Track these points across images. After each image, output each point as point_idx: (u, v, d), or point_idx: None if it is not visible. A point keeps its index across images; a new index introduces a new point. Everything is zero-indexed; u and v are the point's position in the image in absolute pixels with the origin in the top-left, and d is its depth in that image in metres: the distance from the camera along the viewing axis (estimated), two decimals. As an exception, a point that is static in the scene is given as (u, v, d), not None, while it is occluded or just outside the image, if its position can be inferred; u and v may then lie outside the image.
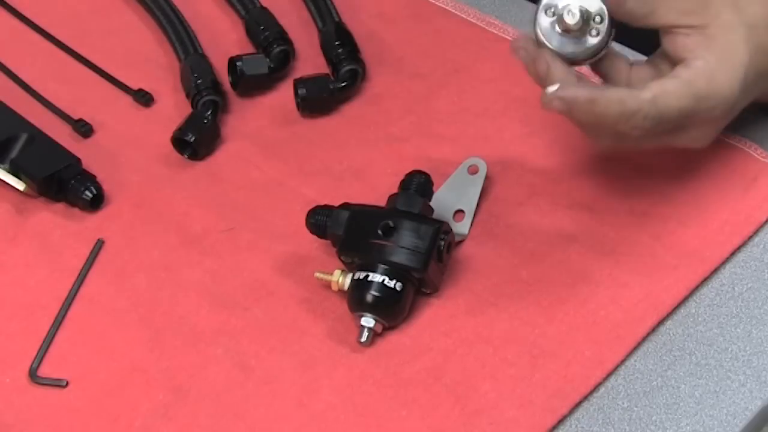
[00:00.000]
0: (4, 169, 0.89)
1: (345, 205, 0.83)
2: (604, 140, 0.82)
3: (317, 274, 0.82)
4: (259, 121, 0.95)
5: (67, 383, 0.80)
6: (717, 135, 0.83)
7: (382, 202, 0.83)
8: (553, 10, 0.79)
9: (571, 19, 0.78)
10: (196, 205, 0.89)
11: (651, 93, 0.77)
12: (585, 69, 0.82)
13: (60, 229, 0.88)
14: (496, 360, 0.79)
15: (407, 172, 0.84)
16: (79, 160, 0.90)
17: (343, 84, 0.94)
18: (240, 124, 0.95)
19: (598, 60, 0.81)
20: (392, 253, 0.79)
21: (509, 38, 0.96)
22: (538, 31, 0.79)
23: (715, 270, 0.83)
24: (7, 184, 0.88)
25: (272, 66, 0.96)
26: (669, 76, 0.79)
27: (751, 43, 0.79)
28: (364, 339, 0.79)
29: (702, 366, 0.79)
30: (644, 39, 0.82)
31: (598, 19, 0.78)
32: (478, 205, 0.87)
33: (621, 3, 0.79)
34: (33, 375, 0.80)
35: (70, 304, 0.84)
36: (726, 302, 0.82)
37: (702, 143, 0.82)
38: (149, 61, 1.00)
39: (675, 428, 0.76)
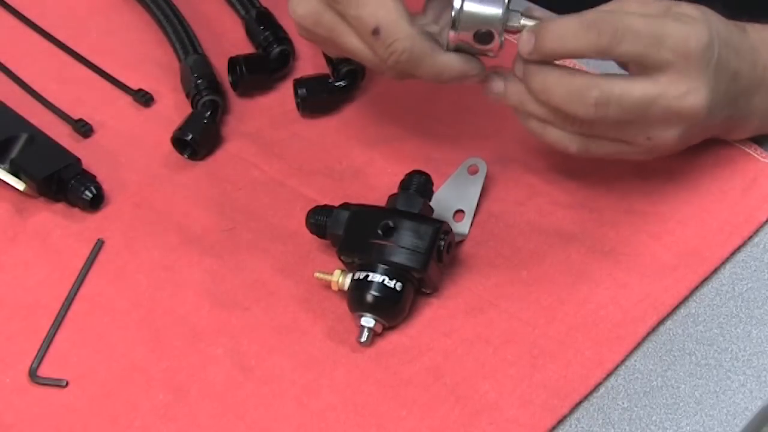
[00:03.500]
0: (4, 169, 0.89)
1: (345, 205, 0.83)
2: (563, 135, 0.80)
3: (317, 274, 0.82)
4: (259, 121, 0.95)
5: (67, 383, 0.79)
6: (701, 136, 0.81)
7: (382, 202, 0.83)
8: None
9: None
10: (196, 205, 0.89)
11: (609, 76, 0.77)
12: None
13: (60, 229, 0.88)
14: (496, 360, 0.79)
15: (407, 172, 0.84)
16: (79, 160, 0.90)
17: (343, 84, 0.94)
18: (240, 124, 0.95)
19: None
20: (392, 253, 0.79)
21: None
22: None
23: (715, 270, 0.83)
24: (7, 184, 0.88)
25: (272, 66, 0.96)
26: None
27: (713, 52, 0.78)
28: (364, 339, 0.79)
29: (702, 366, 0.79)
30: None
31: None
32: (478, 205, 0.87)
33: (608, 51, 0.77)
34: (33, 375, 0.80)
35: (70, 304, 0.84)
36: (726, 302, 0.82)
37: (682, 142, 0.81)
38: (149, 61, 1.00)
39: (675, 428, 0.76)
